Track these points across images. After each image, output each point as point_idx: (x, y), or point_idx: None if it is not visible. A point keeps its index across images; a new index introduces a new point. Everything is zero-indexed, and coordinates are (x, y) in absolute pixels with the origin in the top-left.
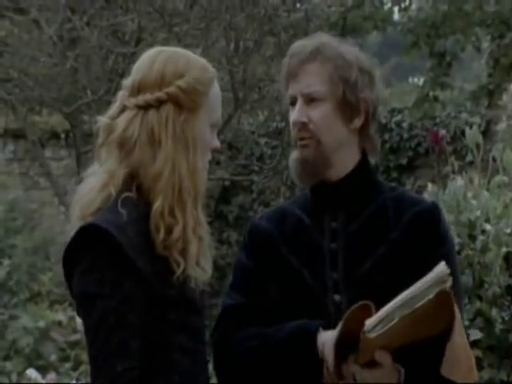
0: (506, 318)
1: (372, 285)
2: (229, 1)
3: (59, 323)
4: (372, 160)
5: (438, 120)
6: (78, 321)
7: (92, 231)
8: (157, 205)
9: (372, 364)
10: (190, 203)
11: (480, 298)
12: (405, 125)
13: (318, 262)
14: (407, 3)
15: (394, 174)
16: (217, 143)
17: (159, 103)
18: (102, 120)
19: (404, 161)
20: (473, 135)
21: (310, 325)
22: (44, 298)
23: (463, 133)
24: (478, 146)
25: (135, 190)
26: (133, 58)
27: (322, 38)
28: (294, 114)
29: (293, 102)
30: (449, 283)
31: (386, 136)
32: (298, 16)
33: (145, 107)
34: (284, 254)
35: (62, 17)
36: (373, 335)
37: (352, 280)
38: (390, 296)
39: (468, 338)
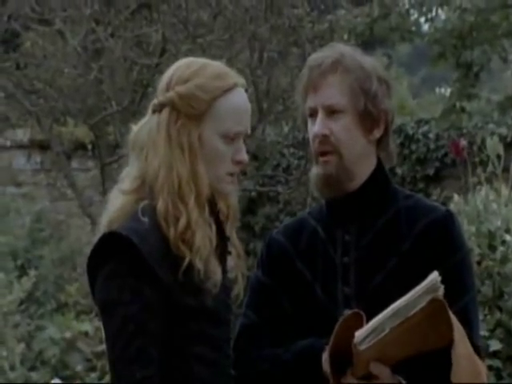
0: None
1: (383, 299)
2: (253, 11)
3: (85, 334)
4: (399, 171)
5: (464, 131)
6: None
7: (113, 238)
8: (159, 204)
9: (369, 376)
10: (193, 200)
11: (500, 309)
12: (431, 135)
13: (330, 276)
14: (434, 14)
15: (421, 185)
16: (240, 156)
17: (161, 108)
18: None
19: (431, 171)
20: (493, 146)
21: (316, 343)
22: (70, 309)
23: None
24: (499, 156)
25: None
26: (157, 69)
27: (341, 49)
28: (316, 127)
29: (312, 114)
30: (441, 291)
31: (413, 147)
32: (322, 27)
33: (153, 111)
34: (298, 267)
35: (86, 28)
36: (363, 347)
37: (363, 294)
38: None
39: (488, 349)
